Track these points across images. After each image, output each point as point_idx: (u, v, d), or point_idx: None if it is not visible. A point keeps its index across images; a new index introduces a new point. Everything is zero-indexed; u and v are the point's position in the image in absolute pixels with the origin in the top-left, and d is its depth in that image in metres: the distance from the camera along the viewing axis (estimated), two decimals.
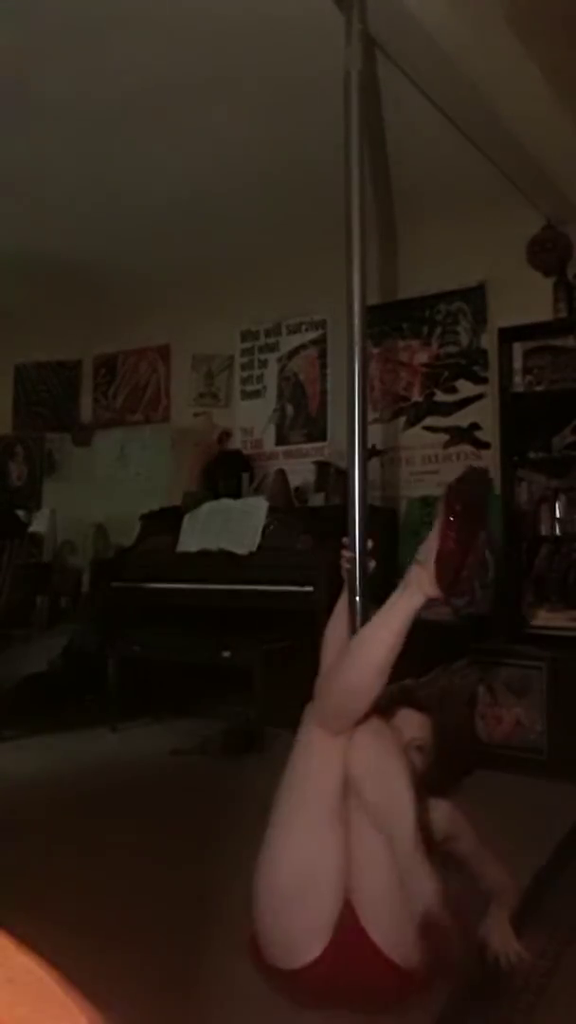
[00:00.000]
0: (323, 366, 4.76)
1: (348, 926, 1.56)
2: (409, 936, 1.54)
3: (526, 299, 4.00)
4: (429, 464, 4.36)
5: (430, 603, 1.64)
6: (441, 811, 1.86)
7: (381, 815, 1.57)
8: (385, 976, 1.54)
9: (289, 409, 4.88)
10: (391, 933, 1.55)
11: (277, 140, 3.46)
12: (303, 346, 4.83)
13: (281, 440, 4.88)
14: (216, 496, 4.40)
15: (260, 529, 4.02)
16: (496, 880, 1.89)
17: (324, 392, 4.75)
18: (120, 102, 3.16)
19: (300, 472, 4.58)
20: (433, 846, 1.75)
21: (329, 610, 2.14)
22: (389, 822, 1.56)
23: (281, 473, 4.55)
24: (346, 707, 1.61)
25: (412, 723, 1.95)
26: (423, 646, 3.67)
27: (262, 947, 1.64)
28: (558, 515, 3.89)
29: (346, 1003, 1.57)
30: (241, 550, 3.99)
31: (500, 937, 1.79)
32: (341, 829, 1.60)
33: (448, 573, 1.62)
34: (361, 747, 1.61)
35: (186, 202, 4.05)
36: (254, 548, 3.97)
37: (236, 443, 5.00)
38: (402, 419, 4.47)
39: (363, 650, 1.66)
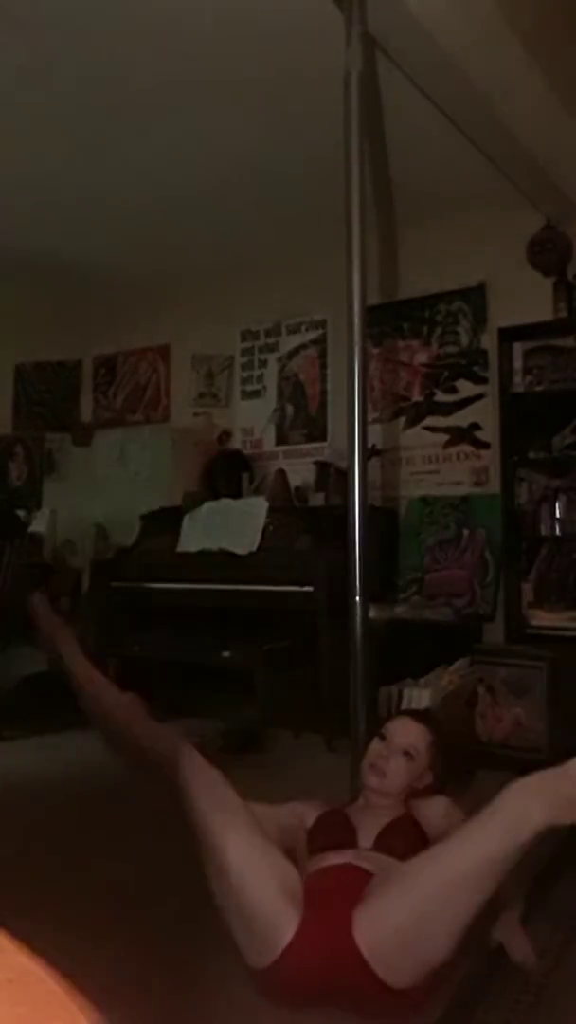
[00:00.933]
0: (323, 366, 4.76)
1: (314, 919, 1.48)
2: (404, 962, 1.46)
3: (526, 299, 4.00)
4: (429, 464, 4.36)
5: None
6: (439, 807, 1.86)
7: None
8: (365, 984, 1.45)
9: (289, 409, 4.88)
10: (386, 954, 1.45)
11: (277, 140, 3.46)
12: (303, 346, 4.84)
13: (281, 440, 4.88)
14: (216, 496, 4.40)
15: (260, 529, 4.01)
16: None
17: (324, 392, 4.75)
18: (120, 102, 3.17)
19: (300, 472, 4.58)
20: (426, 845, 1.76)
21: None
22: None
23: (281, 473, 4.55)
24: None
25: (406, 729, 1.95)
26: (423, 646, 3.68)
27: (240, 949, 1.57)
28: (558, 515, 3.89)
29: (329, 1000, 1.51)
30: (241, 550, 3.99)
31: (515, 940, 1.78)
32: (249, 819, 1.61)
33: None
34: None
35: (186, 202, 4.05)
36: (254, 548, 3.97)
37: (236, 443, 5.00)
38: (402, 419, 4.47)
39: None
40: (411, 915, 1.44)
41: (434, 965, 1.45)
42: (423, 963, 1.45)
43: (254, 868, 1.53)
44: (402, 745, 1.91)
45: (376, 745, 1.95)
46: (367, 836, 1.80)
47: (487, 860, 1.40)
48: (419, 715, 2.08)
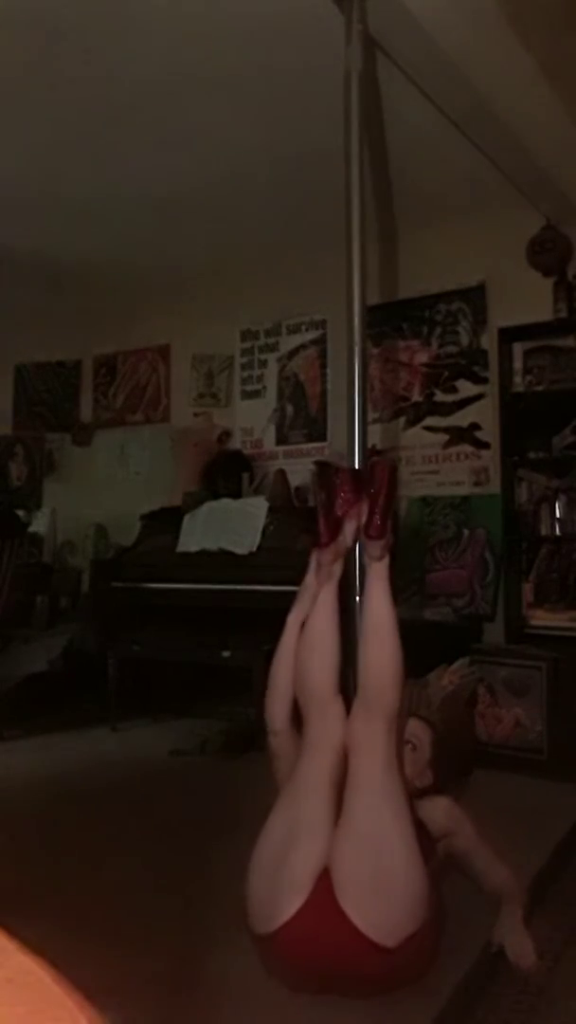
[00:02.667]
0: (323, 366, 4.76)
1: (321, 894, 1.56)
2: (387, 914, 1.55)
3: (526, 299, 4.00)
4: (429, 464, 4.36)
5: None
6: (440, 807, 1.86)
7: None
8: (356, 950, 1.53)
9: (289, 409, 4.88)
10: (366, 908, 1.54)
11: (277, 140, 3.46)
12: (303, 346, 4.83)
13: (281, 440, 4.88)
14: (216, 496, 4.40)
15: (260, 529, 4.01)
16: (500, 880, 1.88)
17: (324, 392, 4.75)
18: (120, 102, 3.16)
19: (300, 472, 4.58)
20: (431, 843, 1.76)
21: None
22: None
23: (281, 473, 4.55)
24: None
25: (409, 724, 2.00)
26: (423, 646, 3.67)
27: (248, 913, 1.66)
28: (558, 515, 3.89)
29: (325, 978, 1.57)
30: (241, 550, 3.99)
31: (515, 942, 1.78)
32: (329, 798, 1.65)
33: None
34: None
35: (186, 202, 4.05)
36: (254, 548, 3.97)
37: (236, 443, 5.00)
38: (402, 419, 4.47)
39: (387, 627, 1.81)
40: (370, 858, 1.58)
41: (411, 904, 1.56)
42: (401, 903, 1.56)
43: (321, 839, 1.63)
44: (405, 736, 1.93)
45: None
46: None
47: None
48: (420, 714, 2.09)
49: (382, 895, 1.56)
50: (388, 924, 1.54)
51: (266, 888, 1.63)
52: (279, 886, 1.60)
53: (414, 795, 1.88)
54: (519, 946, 1.77)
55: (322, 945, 1.54)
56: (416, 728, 2.01)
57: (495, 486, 4.06)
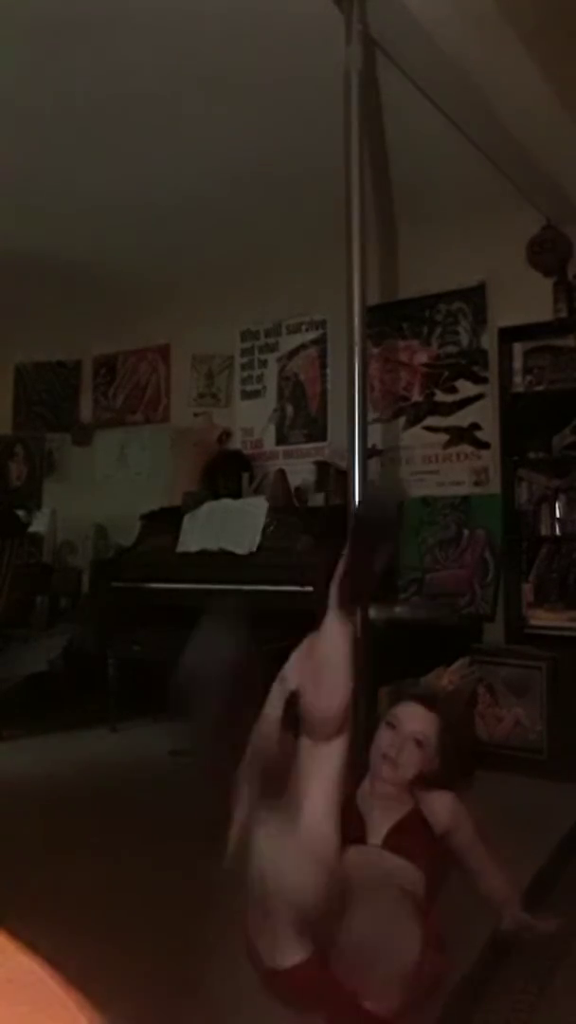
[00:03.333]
0: (323, 366, 4.76)
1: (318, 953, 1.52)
2: (376, 980, 1.50)
3: (526, 299, 4.00)
4: (429, 464, 4.36)
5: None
6: (443, 802, 1.83)
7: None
8: (352, 1011, 1.50)
9: (289, 409, 4.88)
10: (357, 973, 1.50)
11: (277, 140, 3.46)
12: (303, 346, 4.83)
13: (281, 440, 4.88)
14: (216, 496, 4.40)
15: (260, 529, 4.01)
16: (496, 882, 1.87)
17: (324, 392, 4.75)
18: (120, 102, 3.17)
19: (300, 472, 4.58)
20: (434, 842, 1.75)
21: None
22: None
23: (281, 473, 4.55)
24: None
25: (415, 716, 1.88)
26: (423, 646, 3.68)
27: (248, 948, 1.62)
28: (558, 515, 3.89)
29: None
30: (241, 550, 3.99)
31: (525, 923, 1.79)
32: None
33: (347, 591, 1.68)
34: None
35: (186, 202, 4.05)
36: (254, 548, 3.97)
37: (236, 443, 5.00)
38: (402, 419, 4.47)
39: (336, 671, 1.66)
40: (365, 929, 1.47)
41: (411, 963, 1.47)
42: (400, 967, 1.47)
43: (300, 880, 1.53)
44: (412, 733, 1.83)
45: (386, 733, 1.87)
46: (376, 832, 1.78)
47: None
48: (427, 700, 1.99)
49: (380, 960, 1.48)
50: (380, 991, 1.49)
51: (268, 928, 1.56)
52: (278, 933, 1.53)
53: (420, 787, 1.85)
54: (530, 920, 1.78)
55: (319, 1001, 1.52)
56: (423, 724, 1.92)
57: (495, 486, 4.06)
